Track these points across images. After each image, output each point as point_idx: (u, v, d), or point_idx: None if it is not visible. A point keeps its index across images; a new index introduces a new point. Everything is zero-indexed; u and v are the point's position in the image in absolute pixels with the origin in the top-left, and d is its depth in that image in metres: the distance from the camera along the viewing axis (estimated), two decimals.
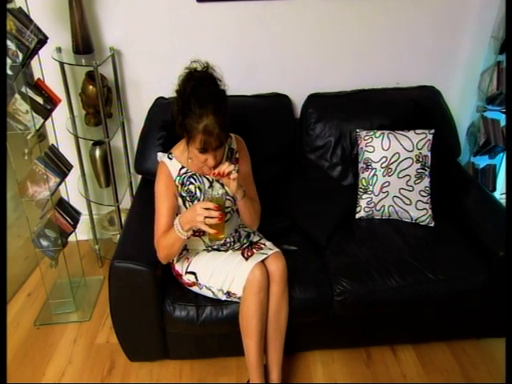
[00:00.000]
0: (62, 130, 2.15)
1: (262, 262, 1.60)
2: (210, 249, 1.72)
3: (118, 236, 2.11)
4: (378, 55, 2.30)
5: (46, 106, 1.79)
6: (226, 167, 1.46)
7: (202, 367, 1.88)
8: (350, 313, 1.77)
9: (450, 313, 1.86)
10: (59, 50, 2.08)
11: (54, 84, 1.97)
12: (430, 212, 1.96)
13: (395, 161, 1.95)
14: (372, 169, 1.98)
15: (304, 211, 1.98)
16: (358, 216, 2.02)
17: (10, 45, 1.59)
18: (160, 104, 2.12)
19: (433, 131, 1.98)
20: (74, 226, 2.10)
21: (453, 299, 1.78)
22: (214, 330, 1.73)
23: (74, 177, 2.23)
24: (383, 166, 1.96)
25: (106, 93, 2.11)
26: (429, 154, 1.97)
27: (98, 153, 2.21)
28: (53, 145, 2.00)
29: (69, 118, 2.22)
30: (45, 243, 1.97)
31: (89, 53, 2.04)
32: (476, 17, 2.23)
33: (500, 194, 2.49)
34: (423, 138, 1.96)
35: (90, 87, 2.06)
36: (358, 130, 2.08)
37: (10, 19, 1.58)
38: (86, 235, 2.50)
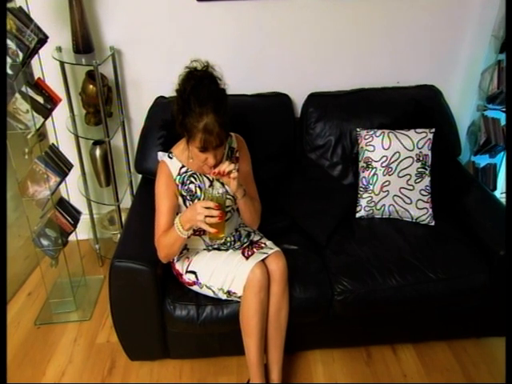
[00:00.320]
0: (62, 129, 2.15)
1: (263, 261, 1.60)
2: (210, 248, 1.72)
3: (119, 235, 2.12)
4: (379, 54, 2.30)
5: (46, 105, 1.79)
6: (226, 166, 1.46)
7: (202, 366, 1.88)
8: (350, 312, 1.77)
9: (450, 312, 1.85)
10: (59, 49, 2.08)
11: (55, 83, 1.97)
12: (430, 211, 1.96)
13: (395, 160, 1.95)
14: (372, 168, 1.98)
15: (304, 210, 1.97)
16: (358, 215, 2.02)
17: (11, 44, 1.59)
18: (160, 103, 2.12)
19: (433, 130, 1.98)
20: (75, 226, 2.10)
21: (453, 298, 1.78)
22: (215, 329, 1.73)
23: (74, 176, 2.24)
24: (383, 165, 1.96)
25: (106, 92, 2.11)
26: (429, 153, 1.97)
27: (98, 152, 2.21)
28: (53, 144, 2.00)
29: (69, 118, 2.22)
30: (45, 242, 1.97)
31: (89, 52, 2.04)
32: (476, 16, 2.23)
33: (500, 193, 2.49)
34: (423, 137, 1.96)
35: (91, 86, 2.06)
36: (358, 129, 2.08)
37: (10, 18, 1.58)
38: (86, 234, 2.50)
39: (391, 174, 1.96)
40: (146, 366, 1.89)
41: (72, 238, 2.14)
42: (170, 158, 1.63)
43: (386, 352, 1.94)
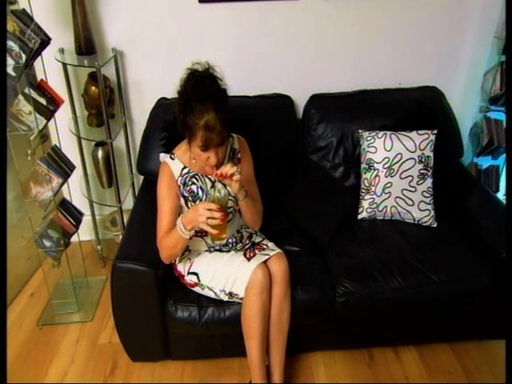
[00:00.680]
0: (64, 130, 2.15)
1: (264, 262, 1.60)
2: (212, 249, 1.72)
3: (121, 236, 2.12)
4: (380, 56, 2.30)
5: (48, 106, 1.80)
6: (228, 168, 1.46)
7: (203, 368, 1.88)
8: (352, 314, 1.77)
9: (452, 314, 1.85)
10: (62, 51, 2.09)
11: (57, 85, 1.98)
12: (432, 213, 1.96)
13: (398, 161, 1.95)
14: (374, 169, 1.98)
15: (306, 212, 1.97)
16: (360, 217, 2.01)
17: (14, 46, 1.60)
18: (162, 105, 2.12)
19: (435, 132, 1.97)
20: (77, 227, 2.10)
21: (455, 300, 1.77)
22: (216, 330, 1.73)
23: (76, 177, 2.24)
24: (385, 166, 1.96)
25: (108, 93, 2.12)
26: (431, 154, 1.97)
27: (100, 153, 2.22)
28: (55, 145, 2.00)
29: (71, 119, 2.23)
30: (47, 243, 1.98)
31: (91, 54, 2.05)
32: (479, 17, 2.23)
33: (503, 194, 2.48)
34: (426, 139, 1.96)
35: (93, 88, 2.06)
36: (360, 131, 2.08)
37: (13, 21, 1.59)
38: (88, 236, 2.50)
39: (393, 176, 1.96)
40: (148, 366, 1.89)
41: (74, 239, 2.14)
42: (172, 159, 1.63)
43: (388, 354, 1.93)
